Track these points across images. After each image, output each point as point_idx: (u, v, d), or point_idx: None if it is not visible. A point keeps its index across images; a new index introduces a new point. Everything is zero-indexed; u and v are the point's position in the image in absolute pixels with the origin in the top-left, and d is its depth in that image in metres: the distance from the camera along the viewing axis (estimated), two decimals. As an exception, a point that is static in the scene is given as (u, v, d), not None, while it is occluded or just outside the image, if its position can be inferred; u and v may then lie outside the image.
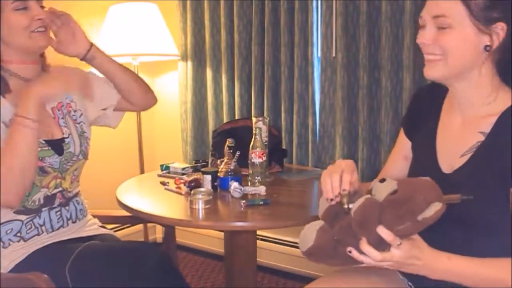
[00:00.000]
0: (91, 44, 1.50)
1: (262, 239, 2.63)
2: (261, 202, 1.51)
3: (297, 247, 2.52)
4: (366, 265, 1.01)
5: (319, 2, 2.27)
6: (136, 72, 2.61)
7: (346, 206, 1.03)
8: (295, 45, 2.30)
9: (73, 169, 1.48)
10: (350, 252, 0.98)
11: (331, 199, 1.07)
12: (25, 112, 1.27)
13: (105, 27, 2.50)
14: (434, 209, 0.95)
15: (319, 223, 1.06)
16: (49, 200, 1.42)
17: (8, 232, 1.37)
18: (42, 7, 1.40)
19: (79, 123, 1.53)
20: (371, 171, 2.13)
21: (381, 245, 0.97)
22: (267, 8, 2.37)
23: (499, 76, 1.06)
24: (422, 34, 1.06)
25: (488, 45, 1.02)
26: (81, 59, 1.49)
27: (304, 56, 2.30)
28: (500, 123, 1.03)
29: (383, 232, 0.95)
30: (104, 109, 1.61)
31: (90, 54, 1.49)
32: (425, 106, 1.22)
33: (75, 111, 1.53)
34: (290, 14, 2.31)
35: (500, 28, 1.01)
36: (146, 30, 2.50)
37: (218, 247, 2.77)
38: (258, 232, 2.51)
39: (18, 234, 1.38)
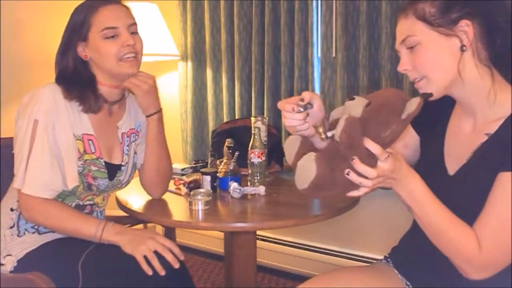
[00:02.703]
0: (160, 109, 1.53)
1: (262, 239, 2.63)
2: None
3: (297, 247, 2.54)
4: (358, 193, 0.98)
5: (319, 2, 2.27)
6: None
7: (324, 135, 0.99)
8: (295, 45, 2.29)
9: (112, 191, 1.55)
10: (348, 174, 0.94)
11: (295, 110, 1.02)
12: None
13: (105, 27, 2.50)
14: (415, 103, 0.93)
15: (312, 154, 0.99)
16: (78, 208, 1.47)
17: (28, 221, 1.40)
18: (135, 32, 1.43)
19: (137, 153, 1.57)
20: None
21: (369, 161, 0.94)
22: (267, 8, 2.37)
23: (499, 73, 1.06)
24: (400, 63, 1.09)
25: (462, 45, 1.02)
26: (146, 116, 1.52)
27: (304, 56, 2.30)
28: (505, 125, 1.03)
29: (370, 145, 0.93)
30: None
31: (155, 117, 1.52)
32: (436, 108, 1.21)
33: (140, 139, 1.58)
34: (290, 14, 2.31)
35: (465, 25, 1.01)
36: (146, 30, 2.49)
37: (218, 247, 2.77)
38: (258, 232, 2.51)
39: (35, 226, 1.41)
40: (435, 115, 1.21)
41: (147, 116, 1.51)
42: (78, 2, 1.43)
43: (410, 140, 1.28)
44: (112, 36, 1.38)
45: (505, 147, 0.99)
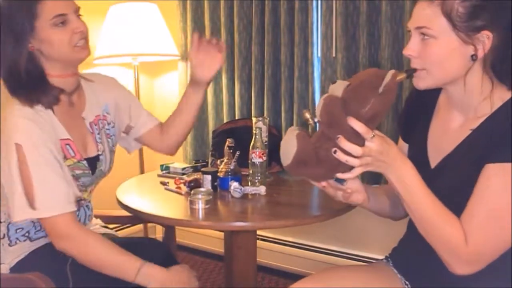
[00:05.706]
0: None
1: (262, 239, 2.63)
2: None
3: (297, 247, 2.55)
4: (349, 174, 0.99)
5: (319, 2, 2.27)
6: (136, 73, 2.64)
7: (311, 121, 1.01)
8: (295, 45, 2.29)
9: (96, 183, 1.52)
10: (335, 152, 0.95)
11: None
12: None
13: (105, 27, 2.50)
14: (389, 75, 0.96)
15: (295, 129, 1.01)
16: None
17: (18, 231, 1.39)
18: (79, 15, 1.38)
19: (111, 137, 1.55)
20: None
21: (357, 141, 0.95)
22: (267, 8, 2.37)
23: (496, 78, 1.05)
24: (407, 46, 1.06)
25: (474, 55, 1.01)
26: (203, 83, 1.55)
27: (304, 56, 2.30)
28: (489, 119, 1.04)
29: (354, 123, 0.94)
30: (128, 130, 1.61)
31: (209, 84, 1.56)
32: (418, 106, 1.22)
33: (109, 123, 1.55)
34: (290, 14, 2.31)
35: (485, 37, 0.99)
36: (146, 30, 2.50)
37: (218, 247, 2.77)
38: (258, 232, 2.51)
39: (26, 234, 1.39)
40: (418, 111, 1.22)
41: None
42: (81, 3, 1.41)
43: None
44: (62, 23, 1.32)
45: (490, 139, 0.99)
